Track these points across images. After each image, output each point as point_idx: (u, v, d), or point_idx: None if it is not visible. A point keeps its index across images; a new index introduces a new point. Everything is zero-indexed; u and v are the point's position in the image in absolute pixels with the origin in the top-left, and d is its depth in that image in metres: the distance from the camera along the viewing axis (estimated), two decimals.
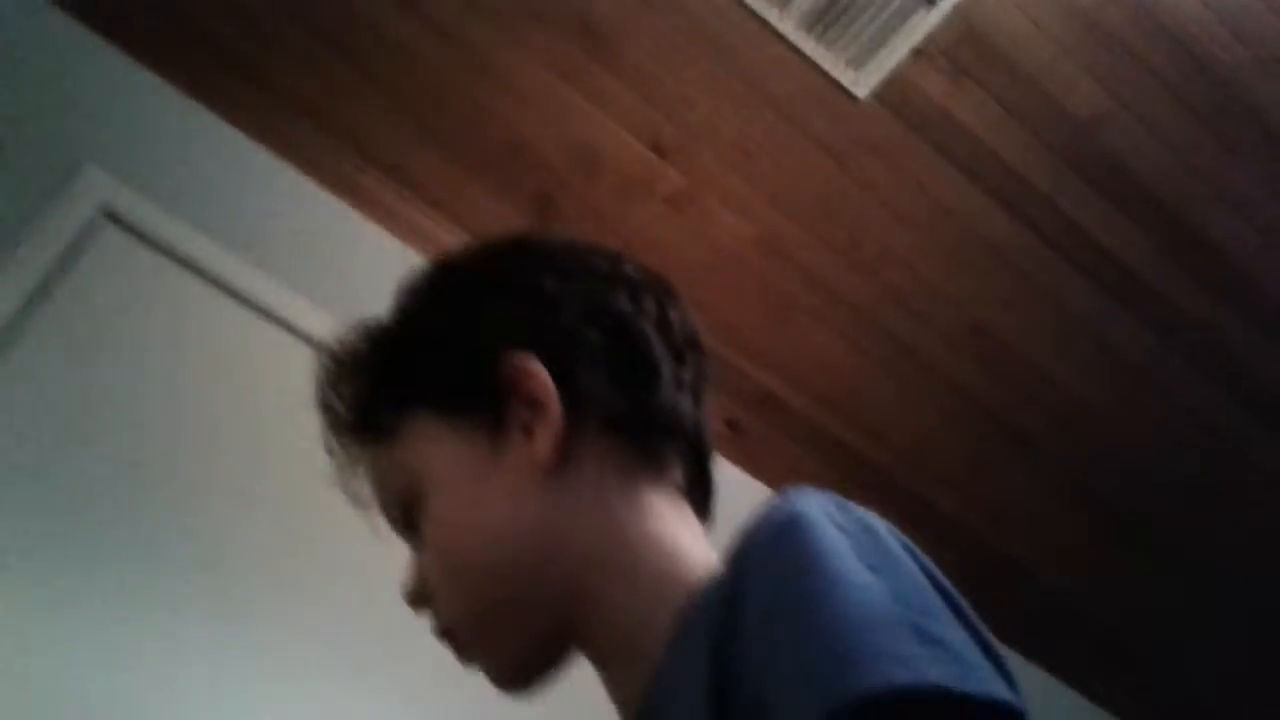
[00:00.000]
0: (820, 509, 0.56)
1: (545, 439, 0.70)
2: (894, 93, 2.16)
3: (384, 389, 0.78)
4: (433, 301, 0.80)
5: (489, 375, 0.72)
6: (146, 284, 2.08)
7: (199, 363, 2.07)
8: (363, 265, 2.30)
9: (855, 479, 2.78)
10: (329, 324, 2.16)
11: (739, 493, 2.51)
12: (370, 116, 2.28)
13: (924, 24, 2.06)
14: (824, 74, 2.14)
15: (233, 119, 2.27)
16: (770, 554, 0.54)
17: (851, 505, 0.60)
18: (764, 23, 2.09)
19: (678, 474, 0.75)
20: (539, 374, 0.71)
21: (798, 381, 2.64)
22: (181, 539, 1.89)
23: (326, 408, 0.82)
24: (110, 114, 2.15)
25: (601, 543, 0.69)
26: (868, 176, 2.27)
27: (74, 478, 1.86)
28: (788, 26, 2.09)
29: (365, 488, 0.81)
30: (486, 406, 0.72)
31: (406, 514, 0.75)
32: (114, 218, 2.08)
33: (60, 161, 2.06)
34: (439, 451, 0.73)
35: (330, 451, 0.82)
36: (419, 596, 0.75)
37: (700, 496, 0.77)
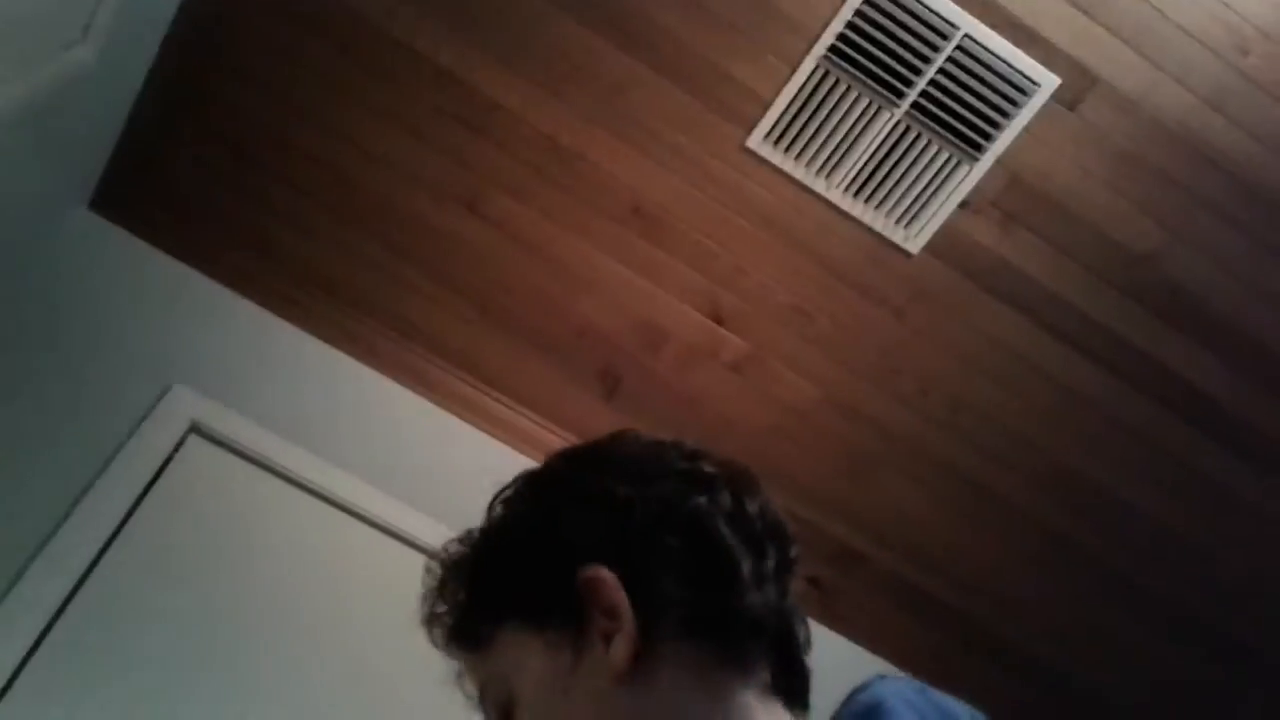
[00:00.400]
0: (899, 696, 0.56)
1: (620, 647, 0.69)
2: (946, 244, 2.20)
3: (478, 601, 0.80)
4: (518, 515, 0.82)
5: (568, 588, 0.73)
6: (237, 492, 2.14)
7: (291, 562, 2.11)
8: (442, 456, 2.34)
9: (945, 630, 2.70)
10: (413, 519, 2.21)
11: (826, 651, 2.44)
12: (442, 314, 2.37)
13: (968, 178, 2.11)
14: (875, 234, 2.19)
15: (310, 326, 2.36)
16: None
17: (934, 691, 0.60)
18: (811, 191, 2.15)
19: (764, 670, 0.73)
20: (610, 584, 0.72)
21: (878, 534, 2.60)
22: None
23: (432, 618, 0.84)
24: (195, 333, 2.25)
25: None
26: (929, 327, 2.29)
27: (175, 685, 1.89)
28: (835, 193, 2.16)
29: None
30: (569, 618, 0.73)
31: (502, 716, 0.76)
32: (202, 432, 2.16)
33: (150, 383, 2.15)
34: (528, 661, 0.74)
35: (450, 654, 0.85)
36: None
37: (792, 688, 0.75)
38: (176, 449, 2.13)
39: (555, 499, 0.80)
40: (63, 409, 2.05)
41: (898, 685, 0.58)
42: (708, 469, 0.81)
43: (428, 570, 0.86)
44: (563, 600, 0.73)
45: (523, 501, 0.83)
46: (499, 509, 0.84)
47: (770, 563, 0.77)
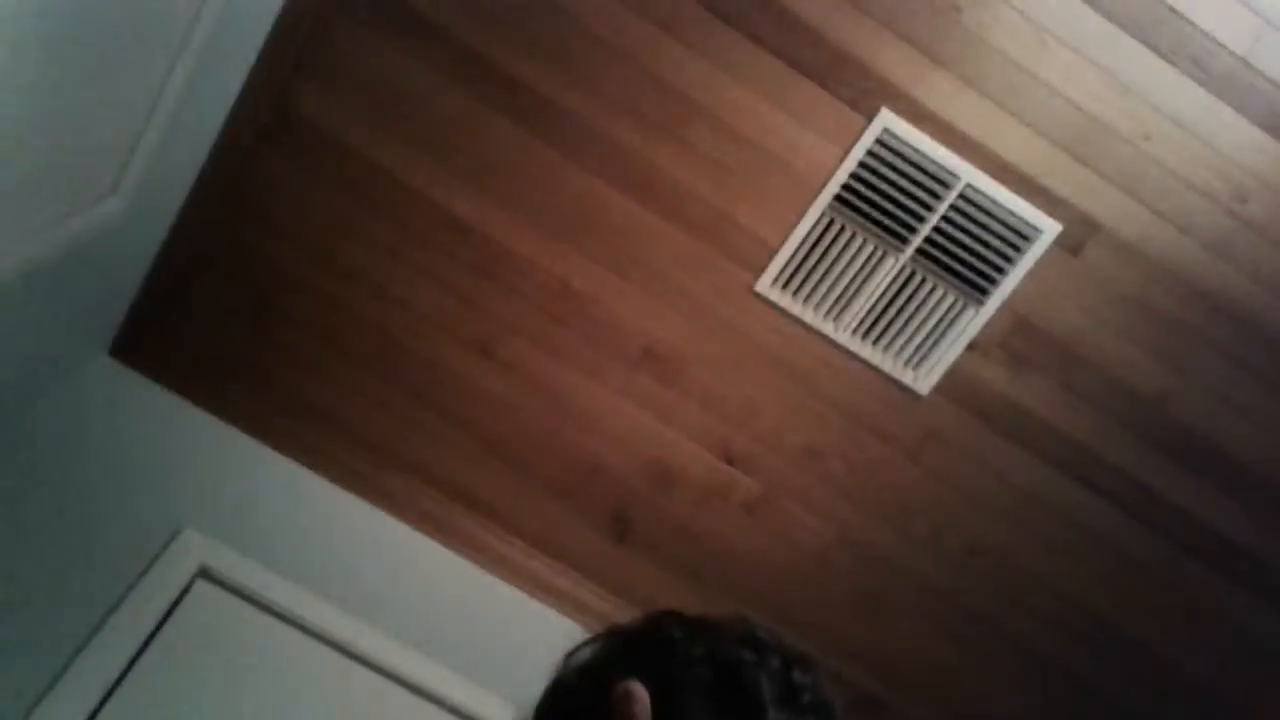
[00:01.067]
0: None
1: None
2: (956, 386, 2.21)
3: None
4: (588, 664, 0.83)
5: (600, 699, 0.73)
6: (242, 635, 2.12)
7: (298, 708, 2.07)
8: (453, 600, 2.32)
9: None
10: (422, 664, 2.18)
11: None
12: (454, 456, 2.38)
13: (975, 320, 2.14)
14: (884, 375, 2.21)
15: (322, 470, 2.37)
16: None
17: None
18: (820, 334, 2.18)
19: None
20: (641, 697, 0.72)
21: (896, 680, 2.54)
22: None
23: None
24: (206, 477, 2.27)
25: None
26: (941, 468, 2.29)
27: None
28: (844, 335, 2.18)
29: None
30: None
31: None
32: (210, 576, 2.15)
33: (161, 526, 2.15)
34: None
35: None
36: None
37: None
38: (185, 592, 2.12)
39: (619, 645, 0.82)
40: (74, 551, 2.05)
41: None
42: (763, 635, 0.82)
43: None
44: (590, 712, 0.74)
45: (593, 649, 0.84)
46: (572, 660, 0.85)
47: None
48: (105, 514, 2.13)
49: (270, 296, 2.27)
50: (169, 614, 2.10)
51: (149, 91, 1.74)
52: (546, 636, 2.34)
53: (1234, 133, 1.91)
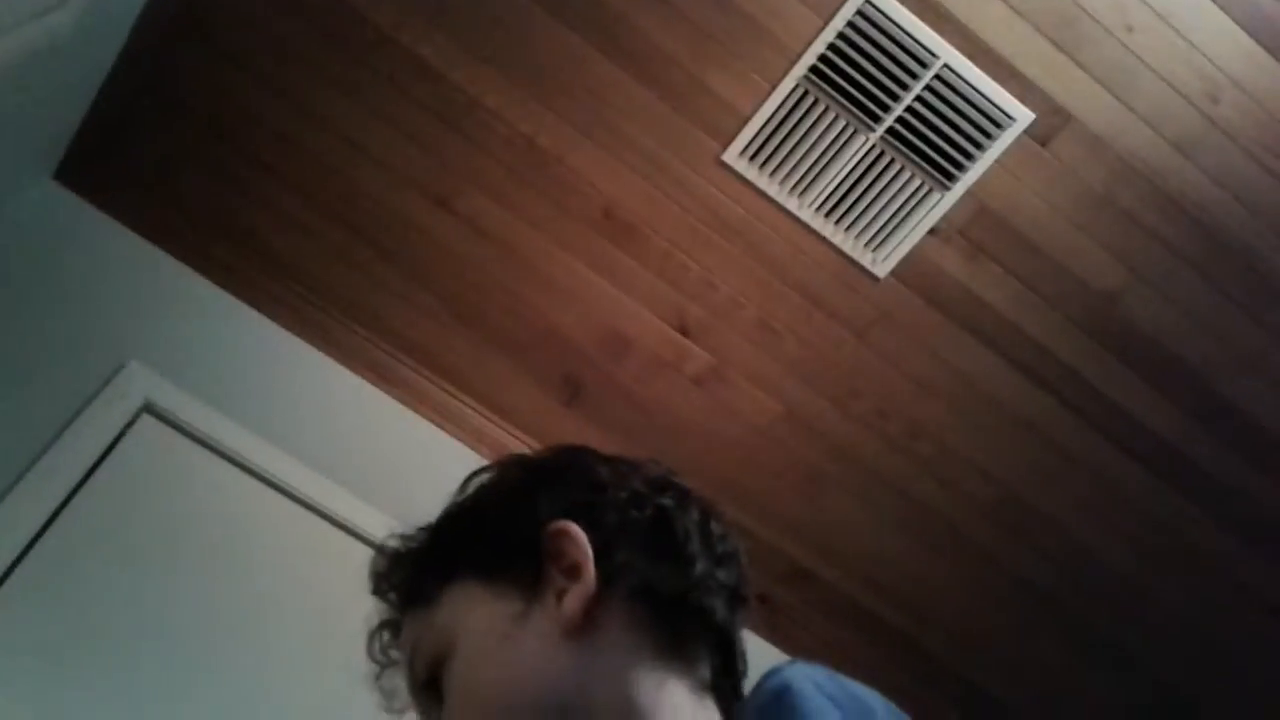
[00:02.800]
0: (808, 678, 0.59)
1: (574, 601, 0.72)
2: (913, 271, 2.21)
3: (433, 561, 0.83)
4: (492, 484, 0.86)
5: (532, 539, 0.77)
6: (185, 474, 2.12)
7: (236, 548, 2.09)
8: (396, 450, 2.33)
9: (891, 653, 2.72)
10: (362, 511, 2.20)
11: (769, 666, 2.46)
12: (406, 308, 2.36)
13: (938, 206, 2.13)
14: (844, 255, 2.21)
15: (272, 313, 2.34)
16: None
17: (847, 680, 0.63)
18: (784, 209, 2.16)
19: (704, 667, 0.76)
20: (578, 538, 0.75)
21: (829, 554, 2.62)
22: (212, 707, 1.92)
23: (380, 592, 0.87)
24: (154, 311, 2.23)
25: (616, 708, 0.70)
26: (892, 352, 2.31)
27: (113, 664, 1.89)
28: (807, 212, 2.17)
29: (396, 684, 0.86)
30: (524, 569, 0.76)
31: (432, 674, 0.78)
32: (155, 412, 2.13)
33: (106, 358, 2.12)
34: (475, 611, 0.76)
35: (373, 657, 0.87)
36: None
37: (725, 690, 0.78)
38: (128, 427, 2.10)
39: (532, 474, 0.85)
40: (14, 378, 2.02)
41: (807, 669, 0.61)
42: (681, 483, 0.86)
43: (381, 550, 0.89)
44: (521, 552, 0.77)
45: (497, 473, 0.87)
46: (473, 482, 0.88)
47: (724, 578, 0.80)
48: (47, 341, 2.09)
49: (224, 129, 2.19)
50: (111, 448, 2.09)
51: None
52: None
53: (1215, 29, 1.89)
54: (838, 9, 1.96)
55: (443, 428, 2.42)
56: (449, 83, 2.10)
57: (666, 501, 0.81)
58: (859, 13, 1.97)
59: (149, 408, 2.13)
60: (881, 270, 2.22)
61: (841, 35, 1.99)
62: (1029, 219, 2.13)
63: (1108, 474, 2.39)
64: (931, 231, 2.17)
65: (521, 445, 2.46)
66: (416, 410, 2.41)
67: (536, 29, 2.03)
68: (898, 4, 1.95)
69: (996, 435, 2.38)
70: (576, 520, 0.77)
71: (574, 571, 0.74)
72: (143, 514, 2.04)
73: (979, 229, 2.15)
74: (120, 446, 2.09)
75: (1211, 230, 2.09)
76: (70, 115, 2.16)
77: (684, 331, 2.35)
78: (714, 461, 2.48)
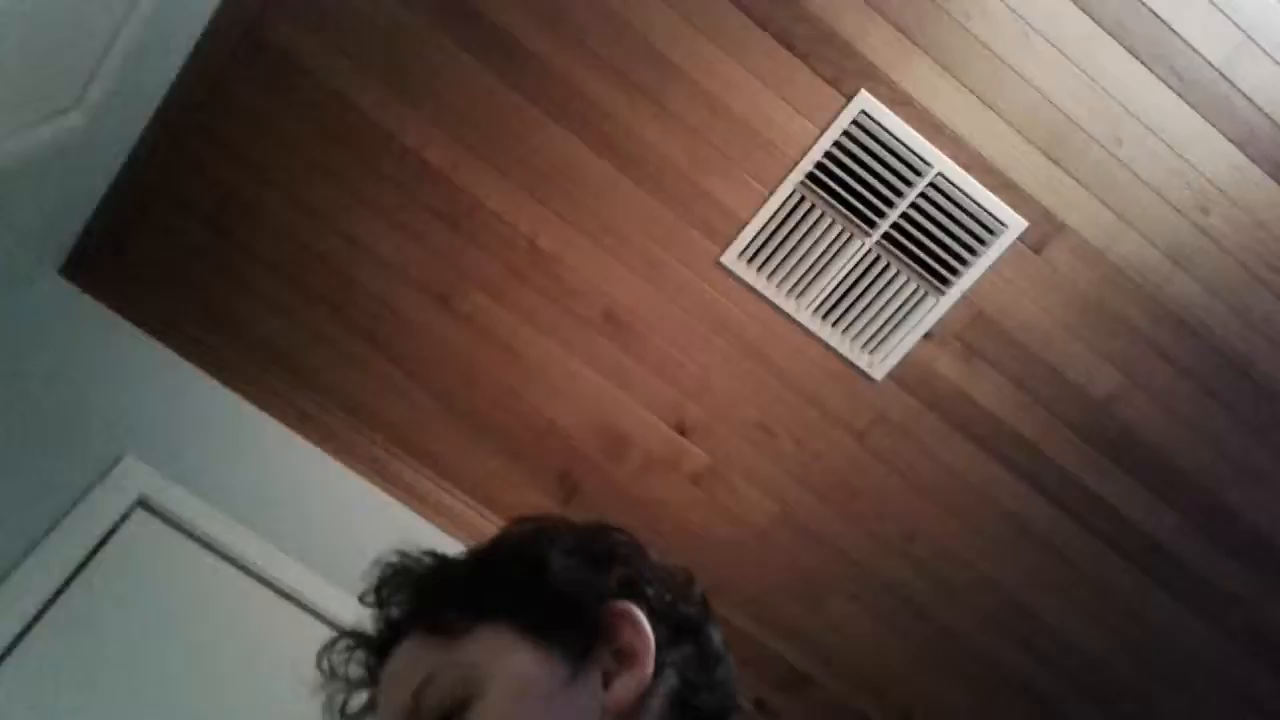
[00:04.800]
0: None
1: (626, 690, 0.72)
2: (910, 374, 2.23)
3: (472, 594, 0.79)
4: (550, 540, 0.82)
5: (591, 611, 0.76)
6: (179, 569, 2.10)
7: (227, 645, 2.06)
8: (392, 547, 2.31)
9: None
10: (358, 608, 2.17)
11: None
12: (405, 405, 2.36)
13: (934, 310, 2.15)
14: (841, 357, 2.22)
15: (270, 408, 2.34)
16: None
17: None
18: (781, 311, 2.19)
19: None
20: (643, 627, 0.75)
21: (828, 659, 2.58)
22: None
23: (383, 605, 0.82)
24: (152, 405, 2.23)
25: None
26: (889, 454, 2.31)
27: None
28: (804, 314, 2.19)
29: (348, 703, 0.82)
30: (576, 637, 0.75)
31: (443, 714, 0.74)
32: (149, 507, 2.12)
33: (102, 451, 2.12)
34: (513, 661, 0.73)
35: (328, 667, 0.83)
36: None
37: None
38: (122, 520, 2.09)
39: (589, 543, 0.83)
40: (12, 469, 2.02)
41: None
42: (698, 585, 0.86)
43: (392, 559, 0.85)
44: (576, 620, 0.75)
45: (549, 529, 0.84)
46: (522, 530, 0.85)
47: (738, 696, 0.82)
48: (45, 435, 2.10)
49: (229, 227, 2.23)
50: (104, 541, 2.08)
51: (119, 6, 1.69)
52: None
53: (1204, 144, 1.94)
54: (834, 118, 2.01)
55: (441, 526, 2.40)
56: (452, 184, 2.14)
57: (702, 611, 0.82)
58: (855, 122, 2.01)
59: (144, 502, 2.13)
60: (878, 373, 2.23)
61: (838, 144, 2.04)
62: (1024, 324, 2.15)
63: (1104, 578, 2.37)
64: (927, 335, 2.19)
65: None
66: (414, 509, 2.40)
67: (540, 133, 2.08)
68: (893, 114, 2.00)
69: (993, 538, 2.37)
70: (636, 603, 0.77)
71: (627, 657, 0.74)
72: (135, 608, 2.02)
73: (974, 333, 2.17)
74: (114, 540, 2.08)
75: (1205, 338, 2.11)
76: (78, 212, 2.20)
77: (682, 431, 2.35)
78: (711, 562, 2.46)
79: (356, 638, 0.84)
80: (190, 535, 2.13)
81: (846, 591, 2.47)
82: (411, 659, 0.77)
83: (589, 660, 0.74)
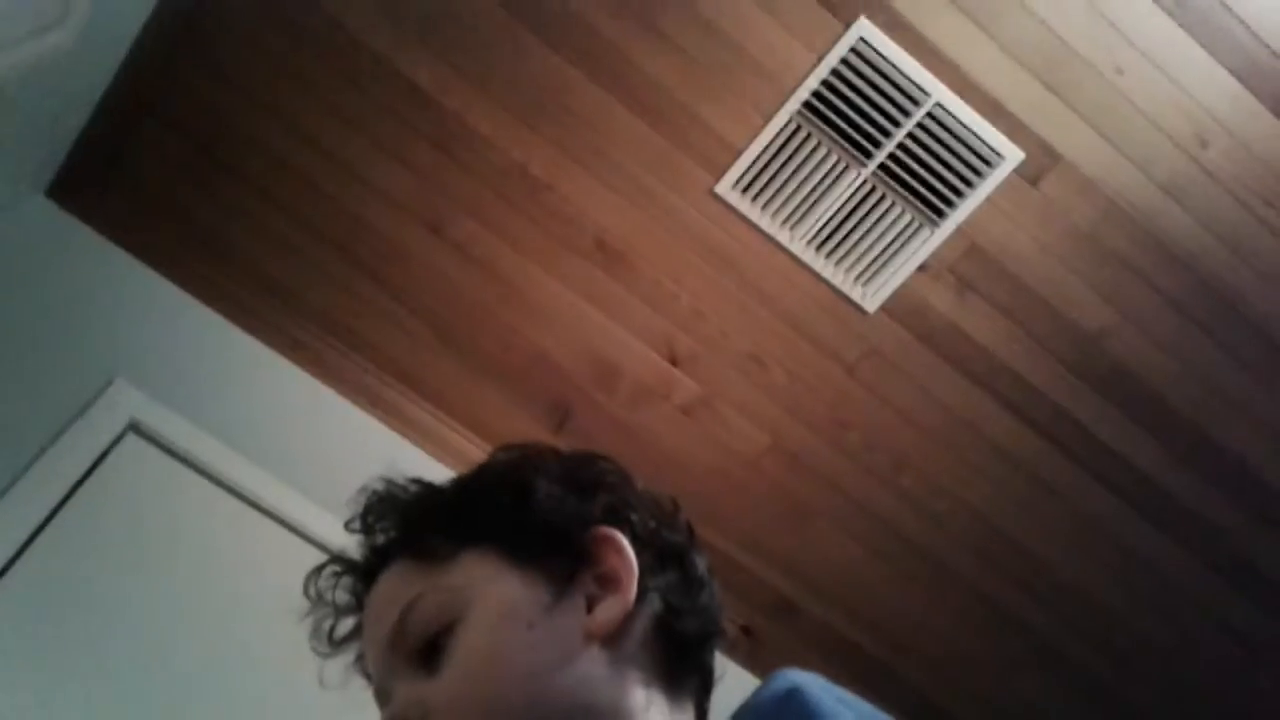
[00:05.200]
0: (815, 682, 0.59)
1: (609, 614, 0.74)
2: (902, 306, 2.22)
3: (458, 520, 0.80)
4: (537, 468, 0.83)
5: (576, 538, 0.77)
6: (169, 492, 2.11)
7: (218, 568, 2.08)
8: (381, 472, 2.32)
9: (874, 686, 2.71)
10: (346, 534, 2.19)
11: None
12: (396, 332, 2.35)
13: (929, 242, 2.15)
14: (834, 288, 2.22)
15: (261, 334, 2.33)
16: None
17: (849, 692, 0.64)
18: (775, 242, 2.18)
19: (688, 697, 0.79)
20: (627, 552, 0.77)
21: (814, 587, 2.61)
22: None
23: (369, 531, 0.84)
24: (142, 329, 2.22)
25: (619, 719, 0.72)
26: (879, 385, 2.32)
27: (89, 681, 1.89)
28: (798, 245, 2.18)
29: (334, 628, 0.84)
30: (560, 563, 0.76)
31: (426, 638, 0.75)
32: (140, 430, 2.12)
33: (93, 375, 2.11)
34: (498, 585, 0.75)
35: (314, 593, 0.85)
36: None
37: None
38: (114, 445, 2.10)
39: (576, 471, 0.84)
40: (0, 395, 2.01)
41: (814, 675, 0.61)
42: (684, 516, 0.87)
43: (379, 485, 0.86)
44: (561, 546, 0.77)
45: (535, 457, 0.85)
46: (506, 457, 0.86)
47: (721, 621, 0.83)
48: (35, 358, 2.09)
49: (218, 149, 2.20)
50: (95, 466, 2.08)
51: None
52: None
53: (1203, 74, 1.92)
54: (832, 45, 1.98)
55: (429, 452, 2.41)
56: (443, 109, 2.11)
57: (686, 538, 0.83)
58: (853, 49, 1.99)
59: (134, 426, 2.13)
60: (871, 305, 2.23)
61: (835, 71, 2.01)
62: (1017, 257, 2.14)
63: (1090, 509, 2.40)
64: (921, 268, 2.18)
65: None
66: (404, 435, 2.40)
67: (532, 58, 2.04)
68: (891, 41, 1.97)
69: (981, 470, 2.39)
70: (621, 529, 0.78)
71: (610, 581, 0.76)
72: (126, 531, 2.03)
73: (968, 266, 2.17)
74: (105, 464, 2.08)
75: (1197, 272, 2.11)
76: (65, 133, 2.17)
77: (673, 361, 2.35)
78: (700, 491, 2.47)
79: (343, 564, 0.85)
80: (181, 459, 2.13)
81: (835, 521, 2.50)
82: (397, 584, 0.79)
83: (572, 585, 0.75)
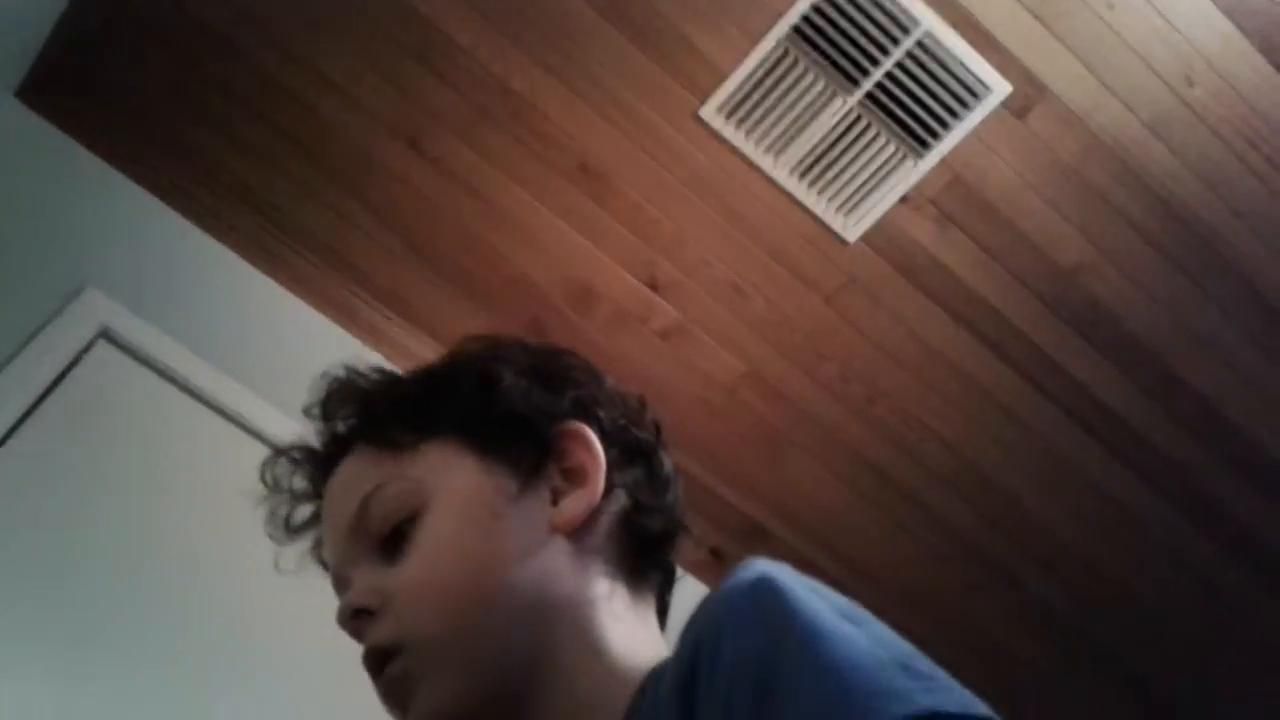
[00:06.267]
0: (785, 571, 0.59)
1: (575, 508, 0.74)
2: (883, 237, 2.22)
3: (421, 409, 0.79)
4: (502, 359, 0.83)
5: (541, 430, 0.77)
6: (140, 402, 2.10)
7: (188, 477, 2.08)
8: None
9: None
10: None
11: None
12: (371, 246, 2.33)
13: (912, 173, 2.13)
14: (815, 218, 2.21)
15: (236, 245, 2.31)
16: (747, 608, 0.56)
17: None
18: (758, 169, 2.16)
19: (650, 592, 0.80)
20: (594, 446, 0.77)
21: (785, 514, 2.64)
22: (161, 635, 1.93)
23: (329, 418, 0.83)
24: (114, 237, 2.19)
25: (584, 613, 0.72)
26: (857, 317, 2.32)
27: (54, 582, 1.90)
28: (781, 173, 2.16)
29: (292, 515, 0.84)
30: (526, 455, 0.76)
31: (388, 526, 0.75)
32: (111, 338, 2.11)
33: (63, 282, 2.09)
34: (461, 476, 0.75)
35: (273, 480, 0.85)
36: (362, 611, 0.73)
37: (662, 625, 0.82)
38: (84, 352, 2.08)
39: (543, 363, 0.83)
40: None
41: (782, 565, 0.60)
42: (652, 414, 0.88)
43: (340, 373, 0.86)
44: (527, 438, 0.77)
45: (503, 349, 0.85)
46: (473, 346, 0.85)
47: (684, 519, 0.83)
48: (3, 263, 2.06)
49: (194, 55, 2.15)
50: (66, 373, 2.06)
51: None
52: None
53: (1195, 12, 1.90)
54: None
55: (402, 368, 2.40)
56: (421, 17, 2.06)
57: (655, 436, 0.84)
58: None
59: (106, 334, 2.11)
60: (852, 235, 2.22)
61: None
62: (999, 191, 2.13)
63: (1062, 446, 2.43)
64: (903, 199, 2.17)
65: None
66: (377, 349, 2.39)
67: None
68: None
69: (956, 404, 2.41)
70: (588, 423, 0.78)
71: (577, 475, 0.76)
72: (96, 439, 2.03)
73: (950, 198, 2.16)
74: (75, 372, 2.07)
75: (1177, 211, 2.11)
76: (35, 32, 2.11)
77: (652, 286, 2.34)
78: (675, 416, 2.48)
79: (302, 451, 0.85)
80: (152, 368, 2.12)
81: (808, 450, 2.52)
82: (358, 472, 0.78)
83: (538, 478, 0.76)
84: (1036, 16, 1.94)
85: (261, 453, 2.17)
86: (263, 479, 0.85)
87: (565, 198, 2.25)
